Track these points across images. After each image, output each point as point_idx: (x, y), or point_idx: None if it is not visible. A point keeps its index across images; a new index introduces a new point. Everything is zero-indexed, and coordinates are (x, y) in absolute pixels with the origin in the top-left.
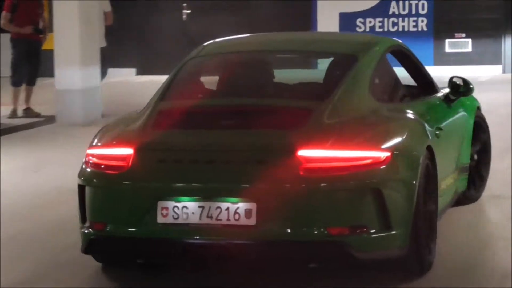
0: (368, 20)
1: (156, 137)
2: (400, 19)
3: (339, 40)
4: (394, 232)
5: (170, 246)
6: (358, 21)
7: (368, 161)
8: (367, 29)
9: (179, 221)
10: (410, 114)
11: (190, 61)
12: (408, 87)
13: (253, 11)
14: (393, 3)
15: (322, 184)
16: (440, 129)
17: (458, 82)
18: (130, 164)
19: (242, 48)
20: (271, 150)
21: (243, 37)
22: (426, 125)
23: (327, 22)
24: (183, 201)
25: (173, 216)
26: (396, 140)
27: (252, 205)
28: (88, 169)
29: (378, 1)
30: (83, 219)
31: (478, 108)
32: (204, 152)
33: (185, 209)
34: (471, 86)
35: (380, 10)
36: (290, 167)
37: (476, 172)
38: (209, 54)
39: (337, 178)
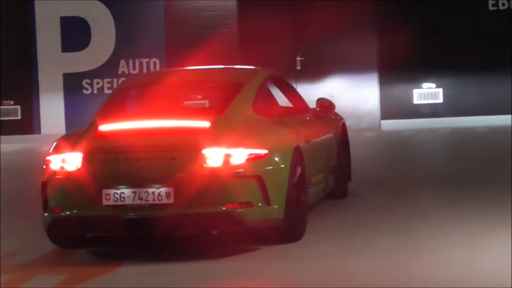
0: (95, 80)
1: (99, 144)
2: None
3: (229, 71)
4: (272, 206)
5: (112, 221)
6: (85, 82)
7: (253, 156)
8: (95, 91)
9: (118, 203)
10: (282, 125)
11: (118, 91)
12: (286, 107)
13: None
14: (122, 62)
15: (219, 173)
16: (309, 136)
17: (321, 102)
18: (80, 163)
19: (157, 81)
20: (182, 150)
21: (156, 72)
22: (295, 133)
23: (49, 83)
24: (121, 188)
25: (113, 199)
26: (272, 141)
27: (170, 189)
28: (48, 170)
29: (104, 60)
30: (45, 207)
31: (343, 124)
32: (133, 153)
33: (123, 194)
34: (333, 105)
35: (108, 70)
36: (197, 162)
37: (341, 174)
38: (130, 86)
39: (231, 168)
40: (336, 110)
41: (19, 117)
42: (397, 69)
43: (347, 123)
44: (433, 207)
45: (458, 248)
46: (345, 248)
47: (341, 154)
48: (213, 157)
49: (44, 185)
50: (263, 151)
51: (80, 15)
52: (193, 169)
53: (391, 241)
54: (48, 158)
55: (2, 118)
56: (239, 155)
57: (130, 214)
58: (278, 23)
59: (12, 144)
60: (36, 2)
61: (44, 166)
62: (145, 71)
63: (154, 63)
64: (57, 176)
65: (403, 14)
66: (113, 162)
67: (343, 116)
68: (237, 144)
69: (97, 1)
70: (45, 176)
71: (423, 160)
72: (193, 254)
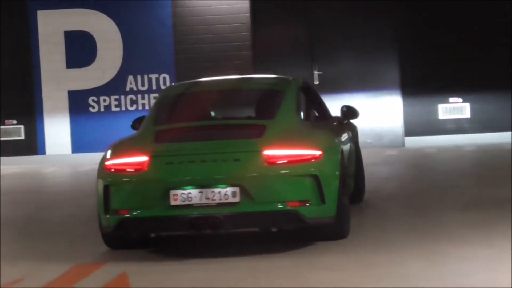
0: (102, 98)
1: (162, 148)
2: (140, 96)
3: (266, 80)
4: (326, 204)
5: (179, 221)
6: (91, 100)
7: (309, 156)
8: (102, 109)
9: (186, 202)
10: (324, 129)
11: (164, 98)
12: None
13: None
14: (130, 78)
15: (281, 173)
16: (341, 141)
17: (346, 110)
18: (147, 167)
19: (200, 88)
20: (245, 151)
21: (195, 81)
22: (337, 136)
23: (54, 101)
24: (188, 189)
25: (181, 199)
26: (323, 143)
27: (236, 189)
28: (111, 174)
29: (111, 77)
30: (106, 210)
31: (357, 131)
32: (198, 155)
33: (190, 194)
34: (358, 112)
35: (116, 87)
36: (259, 162)
37: (357, 179)
38: (174, 93)
39: (290, 168)
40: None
41: (22, 137)
42: (421, 83)
43: (368, 140)
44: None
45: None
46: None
47: (358, 160)
48: (274, 158)
49: (106, 188)
50: (318, 152)
51: (85, 29)
52: (256, 169)
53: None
54: (109, 163)
55: (3, 139)
56: (298, 156)
57: (197, 213)
58: (293, 36)
59: (14, 166)
60: (38, 16)
61: (104, 171)
62: (154, 87)
63: (164, 78)
64: (122, 179)
65: (426, 26)
66: (179, 165)
67: (364, 133)
68: (294, 146)
69: (103, 14)
70: (108, 180)
71: (446, 179)
72: (248, 250)
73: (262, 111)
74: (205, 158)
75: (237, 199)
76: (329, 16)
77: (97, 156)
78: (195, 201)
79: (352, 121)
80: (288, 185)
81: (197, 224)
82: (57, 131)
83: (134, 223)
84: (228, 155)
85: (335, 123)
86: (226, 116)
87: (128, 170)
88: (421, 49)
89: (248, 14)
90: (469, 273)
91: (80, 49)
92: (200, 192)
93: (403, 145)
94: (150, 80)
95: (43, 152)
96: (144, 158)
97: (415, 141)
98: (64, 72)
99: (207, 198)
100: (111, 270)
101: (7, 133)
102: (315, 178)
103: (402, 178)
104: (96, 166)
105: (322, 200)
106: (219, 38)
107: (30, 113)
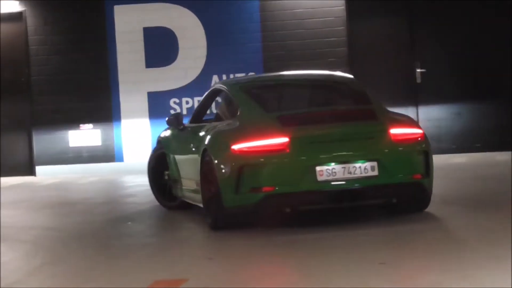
0: (184, 100)
1: (301, 130)
2: None
3: (326, 75)
4: (430, 178)
5: (325, 194)
6: (173, 102)
7: (420, 134)
8: (184, 111)
9: (330, 177)
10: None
11: (242, 91)
12: None
13: None
14: (215, 78)
15: (406, 149)
16: None
17: None
18: (288, 147)
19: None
20: (376, 131)
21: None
22: None
23: (132, 104)
24: (331, 165)
25: (326, 175)
26: (418, 124)
27: (374, 163)
28: (243, 156)
29: (195, 76)
30: (237, 189)
31: None
32: (336, 135)
33: (334, 169)
34: None
35: (199, 87)
36: (389, 140)
37: None
38: (251, 86)
39: (410, 145)
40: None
41: (99, 144)
42: None
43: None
44: None
45: None
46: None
47: None
48: (398, 135)
49: (241, 168)
50: (421, 131)
51: (166, 26)
52: (388, 146)
53: None
54: (237, 147)
55: (79, 145)
56: (412, 134)
57: (342, 187)
58: (393, 30)
59: (88, 174)
60: (115, 12)
61: (233, 154)
62: None
63: None
64: (260, 160)
65: None
66: (321, 144)
67: None
68: (407, 125)
69: (185, 9)
70: (241, 162)
71: None
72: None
73: (353, 99)
74: (343, 138)
75: (375, 173)
76: (433, 7)
77: None
78: (338, 175)
79: None
80: (411, 160)
81: (341, 197)
82: (136, 136)
83: (280, 198)
84: (362, 134)
85: None
86: (337, 103)
87: (266, 151)
88: None
89: (343, 7)
90: None
91: (160, 47)
92: (343, 167)
93: None
94: None
95: (120, 159)
96: (284, 140)
97: None
98: (143, 72)
99: (349, 173)
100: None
101: (83, 138)
102: (425, 154)
103: None
104: None
105: (428, 174)
106: (311, 33)
107: (107, 117)
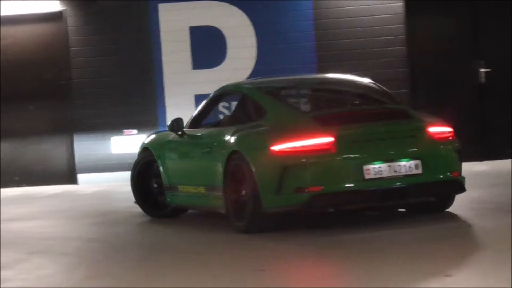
0: (234, 103)
1: (344, 130)
2: None
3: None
4: (461, 176)
5: (373, 193)
6: (222, 106)
7: (450, 133)
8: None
9: (377, 176)
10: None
11: (268, 94)
12: None
13: None
14: None
15: (444, 147)
16: None
17: None
18: (334, 147)
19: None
20: (417, 129)
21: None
22: None
23: (178, 107)
24: (378, 163)
25: (373, 173)
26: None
27: (418, 161)
28: (286, 156)
29: (244, 78)
30: (278, 190)
31: None
32: (380, 134)
33: (380, 168)
34: None
35: None
36: (429, 138)
37: None
38: (275, 88)
39: (447, 143)
40: None
41: None
42: None
43: None
44: None
45: None
46: None
47: None
48: (435, 134)
49: (283, 169)
50: (451, 129)
51: (214, 25)
52: (429, 144)
53: None
54: (278, 147)
55: (121, 152)
56: (447, 133)
57: (389, 185)
58: (455, 28)
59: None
60: (160, 11)
61: (274, 155)
62: None
63: None
64: (305, 160)
65: None
66: (365, 143)
67: None
68: (440, 124)
69: (234, 7)
70: (284, 162)
71: None
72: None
73: (379, 100)
74: (387, 136)
75: (419, 171)
76: (499, 5)
77: None
78: (384, 174)
79: None
80: (450, 158)
81: (388, 196)
82: None
83: (328, 198)
84: (404, 132)
85: None
86: (371, 104)
87: (311, 150)
88: None
89: (401, 3)
90: None
91: (207, 48)
92: (388, 166)
93: None
94: None
95: None
96: (329, 139)
97: None
98: (190, 74)
99: (395, 171)
100: None
101: (126, 144)
102: (459, 152)
103: None
104: None
105: (460, 172)
106: (367, 32)
107: (152, 121)
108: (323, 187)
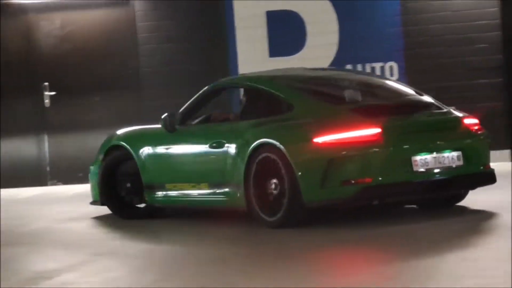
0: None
1: (390, 121)
2: None
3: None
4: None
5: (422, 185)
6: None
7: (479, 125)
8: None
9: (424, 167)
10: None
11: (294, 87)
12: None
13: None
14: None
15: (479, 138)
16: None
17: None
18: (381, 138)
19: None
20: (455, 121)
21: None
22: None
23: None
24: (424, 155)
25: (420, 164)
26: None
27: (459, 153)
28: (331, 148)
29: (325, 66)
30: (323, 183)
31: None
32: (425, 125)
33: (426, 159)
34: None
35: None
36: (465, 130)
37: None
38: (299, 80)
39: (480, 135)
40: None
41: None
42: None
43: None
44: None
45: None
46: None
47: None
48: (470, 125)
49: (328, 161)
50: (477, 121)
51: (292, 9)
52: (467, 135)
53: None
54: (321, 139)
55: None
56: (478, 124)
57: (435, 176)
58: None
59: None
60: None
61: (319, 148)
62: None
63: (391, 68)
64: (352, 152)
65: None
66: (412, 134)
67: None
68: (470, 117)
69: None
70: (330, 154)
71: None
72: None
73: (403, 92)
74: (432, 127)
75: (461, 162)
76: None
77: None
78: (431, 165)
79: None
80: (484, 150)
81: (435, 187)
82: None
83: (377, 190)
84: (446, 123)
85: None
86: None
87: (357, 142)
88: None
89: None
90: None
91: (285, 34)
92: (434, 157)
93: None
94: (373, 70)
95: None
96: (376, 130)
97: None
98: (267, 62)
99: (439, 162)
100: None
101: None
102: (489, 144)
103: None
104: None
105: (489, 165)
106: (457, 16)
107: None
108: (372, 179)
